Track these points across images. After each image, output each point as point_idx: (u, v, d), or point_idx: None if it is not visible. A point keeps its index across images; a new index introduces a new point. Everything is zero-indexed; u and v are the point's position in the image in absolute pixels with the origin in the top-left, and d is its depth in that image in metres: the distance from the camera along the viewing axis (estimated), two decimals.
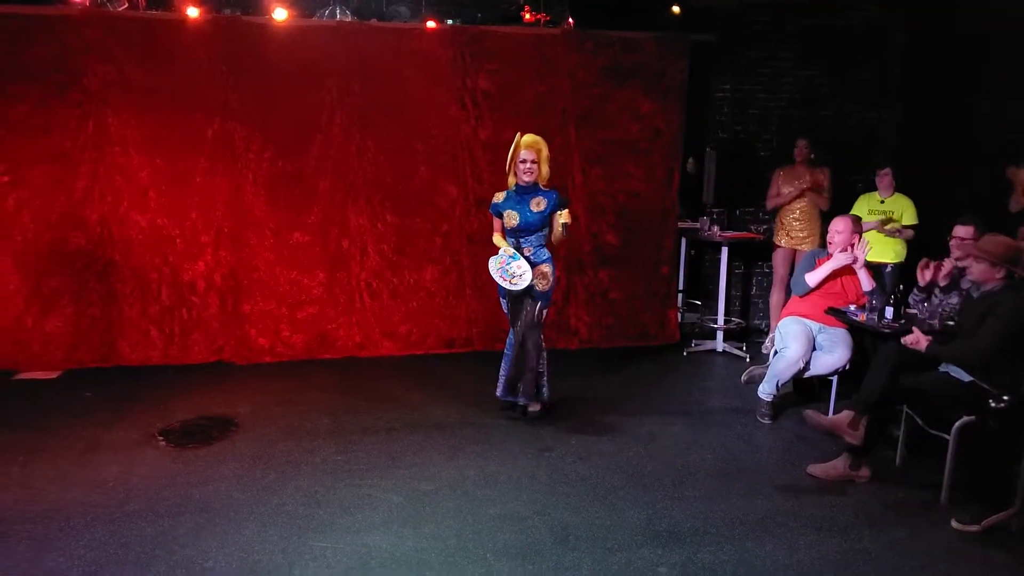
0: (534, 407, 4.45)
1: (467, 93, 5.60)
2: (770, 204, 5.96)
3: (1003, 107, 5.47)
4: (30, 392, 4.87)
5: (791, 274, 5.90)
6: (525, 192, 4.23)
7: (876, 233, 5.36)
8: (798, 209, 5.84)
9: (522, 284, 4.14)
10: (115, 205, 5.24)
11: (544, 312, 4.31)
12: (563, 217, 4.13)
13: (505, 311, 4.40)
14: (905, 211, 5.45)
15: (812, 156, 5.81)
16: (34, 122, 5.05)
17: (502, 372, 4.46)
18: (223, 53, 5.23)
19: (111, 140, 5.17)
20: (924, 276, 4.12)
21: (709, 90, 6.35)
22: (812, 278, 4.54)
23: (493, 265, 4.22)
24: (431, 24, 5.52)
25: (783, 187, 5.83)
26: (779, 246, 5.95)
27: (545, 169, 4.25)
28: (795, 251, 5.88)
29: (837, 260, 4.48)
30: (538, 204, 4.21)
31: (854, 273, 4.51)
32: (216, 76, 5.24)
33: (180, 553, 3.00)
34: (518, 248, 4.25)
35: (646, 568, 2.97)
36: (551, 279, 4.28)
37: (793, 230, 5.86)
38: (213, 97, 5.26)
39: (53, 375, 5.17)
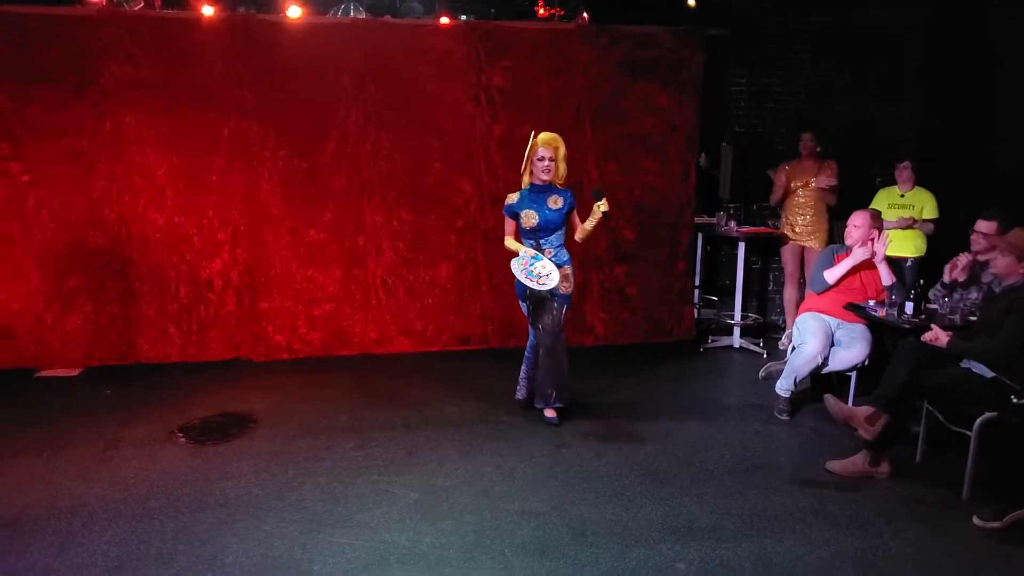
0: (551, 414, 4.32)
1: (481, 89, 5.60)
2: (774, 199, 5.91)
3: (1022, 99, 5.38)
4: (51, 389, 4.93)
5: (801, 269, 5.89)
6: (540, 191, 4.17)
7: (901, 232, 5.29)
8: (803, 204, 5.79)
9: (550, 283, 4.03)
10: (133, 204, 5.28)
11: (565, 313, 4.27)
12: (603, 206, 4.07)
13: (525, 313, 4.30)
14: (926, 205, 5.38)
15: (819, 149, 5.75)
16: (52, 122, 5.10)
17: (522, 375, 4.42)
18: (238, 51, 5.25)
19: (128, 139, 5.22)
20: (950, 274, 4.08)
21: (725, 84, 6.30)
22: (831, 275, 4.51)
23: (516, 267, 4.08)
24: (445, 20, 5.52)
25: (789, 182, 5.80)
26: (786, 242, 5.91)
27: (563, 167, 4.17)
28: (802, 247, 5.84)
29: (856, 256, 4.44)
30: (555, 202, 4.16)
31: (873, 268, 4.46)
32: (231, 74, 5.27)
33: (201, 549, 3.03)
34: (539, 250, 4.17)
35: (664, 564, 2.97)
36: (572, 280, 4.24)
37: (798, 225, 5.82)
38: (229, 95, 5.29)
39: (74, 372, 5.23)
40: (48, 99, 5.07)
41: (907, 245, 5.36)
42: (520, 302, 4.30)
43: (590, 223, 4.14)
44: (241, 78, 5.28)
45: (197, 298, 5.45)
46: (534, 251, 4.14)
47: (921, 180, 5.50)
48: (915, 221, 5.34)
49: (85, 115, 5.14)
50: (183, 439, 4.13)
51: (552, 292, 4.11)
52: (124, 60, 5.13)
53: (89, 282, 5.29)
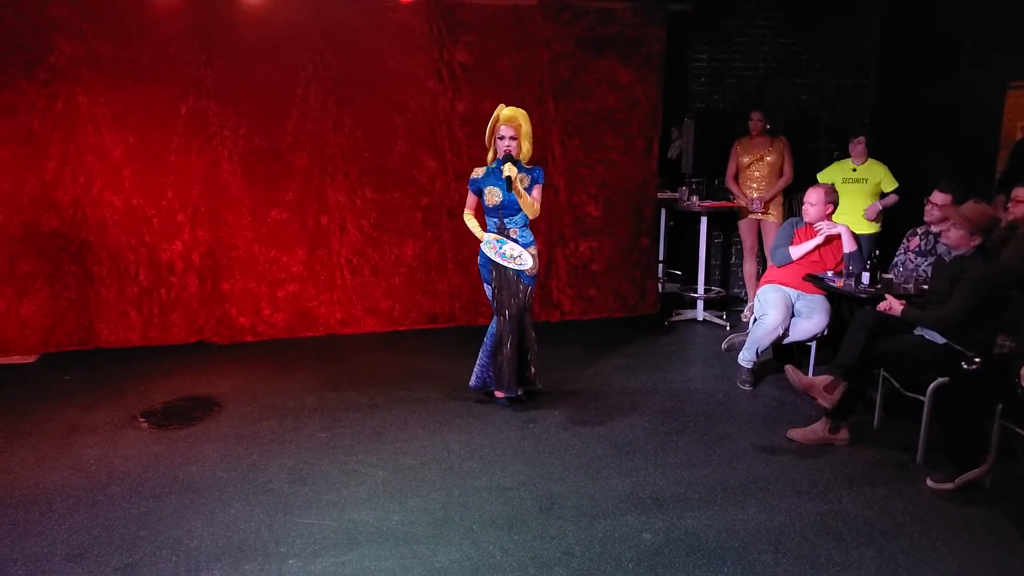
0: (500, 395, 4.24)
1: (444, 65, 5.53)
2: (728, 181, 5.97)
3: (982, 73, 5.48)
4: (6, 377, 4.80)
5: (759, 242, 5.99)
6: None
7: (855, 205, 5.39)
8: (757, 179, 5.86)
9: (526, 263, 3.98)
10: (88, 185, 5.14)
11: (531, 295, 4.19)
12: (506, 170, 3.82)
13: (490, 297, 4.16)
14: (883, 178, 5.48)
15: (768, 127, 5.82)
16: None
17: (478, 362, 4.28)
18: (195, 28, 5.11)
19: (82, 119, 5.05)
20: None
21: (686, 60, 6.32)
22: (797, 251, 4.60)
23: (488, 251, 4.01)
24: None
25: (741, 157, 5.86)
26: (744, 216, 5.99)
27: (527, 146, 4.00)
28: (759, 221, 5.92)
29: (823, 234, 4.52)
30: (521, 181, 3.98)
31: (831, 241, 4.55)
32: (188, 51, 5.13)
33: (165, 533, 3.00)
34: (504, 230, 4.06)
35: (630, 534, 3.02)
36: (536, 261, 4.12)
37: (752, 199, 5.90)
38: (186, 73, 5.15)
39: (30, 359, 5.10)
40: None
41: (862, 221, 5.46)
42: (485, 285, 4.18)
43: (524, 202, 3.95)
44: (198, 55, 5.14)
45: (158, 281, 5.34)
46: (496, 235, 4.05)
47: (880, 152, 5.59)
48: (881, 205, 5.42)
49: (35, 94, 4.96)
50: (145, 424, 4.06)
51: (519, 273, 4.06)
52: (74, 36, 4.96)
53: (45, 266, 5.15)
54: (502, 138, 3.96)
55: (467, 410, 4.24)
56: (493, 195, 4.03)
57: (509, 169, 3.87)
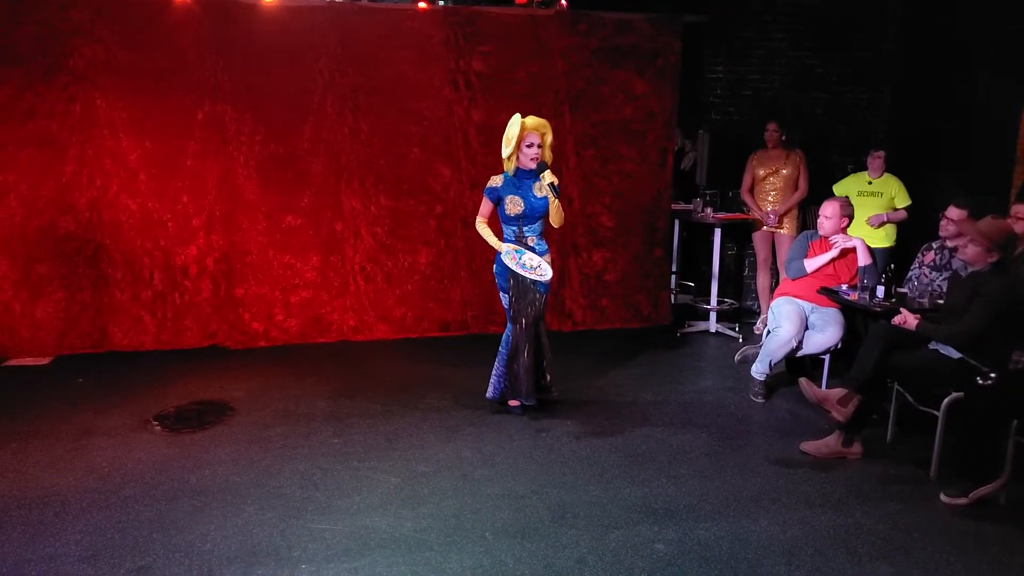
0: (515, 403, 4.26)
1: (460, 74, 5.57)
2: (743, 193, 5.96)
3: (998, 87, 5.46)
4: (21, 379, 4.83)
5: (773, 255, 5.97)
6: (526, 177, 4.05)
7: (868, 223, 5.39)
8: (773, 191, 5.85)
9: (547, 273, 4.00)
10: (104, 189, 5.18)
11: (545, 301, 4.21)
12: (548, 177, 3.95)
13: (506, 306, 4.17)
14: (897, 193, 5.46)
15: (784, 138, 5.82)
16: (19, 105, 4.96)
17: (495, 373, 4.28)
18: (213, 34, 5.16)
19: (99, 123, 5.11)
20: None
21: (702, 72, 6.34)
22: (811, 264, 4.59)
23: (509, 261, 4.03)
24: (423, 5, 5.47)
25: (757, 170, 5.86)
26: (758, 228, 5.98)
27: (548, 155, 4.06)
28: (772, 233, 5.91)
29: (838, 247, 4.52)
30: (540, 189, 4.03)
31: (845, 254, 4.55)
32: (206, 58, 5.18)
33: (178, 537, 3.00)
34: (521, 238, 4.08)
35: (643, 545, 3.00)
36: (551, 271, 4.15)
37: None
38: (203, 79, 5.20)
39: (44, 361, 5.13)
40: (16, 81, 4.93)
41: (877, 234, 5.44)
42: (501, 294, 4.19)
43: (553, 208, 4.01)
44: (216, 61, 5.19)
45: (172, 285, 5.37)
46: (515, 245, 4.07)
47: (896, 165, 5.58)
48: (887, 217, 5.42)
49: (54, 98, 5.01)
50: (158, 427, 4.08)
51: (535, 281, 4.07)
52: (94, 42, 5.01)
53: (60, 269, 5.18)
54: (531, 146, 3.99)
55: (479, 418, 4.24)
56: (515, 204, 4.04)
57: (551, 176, 3.97)
